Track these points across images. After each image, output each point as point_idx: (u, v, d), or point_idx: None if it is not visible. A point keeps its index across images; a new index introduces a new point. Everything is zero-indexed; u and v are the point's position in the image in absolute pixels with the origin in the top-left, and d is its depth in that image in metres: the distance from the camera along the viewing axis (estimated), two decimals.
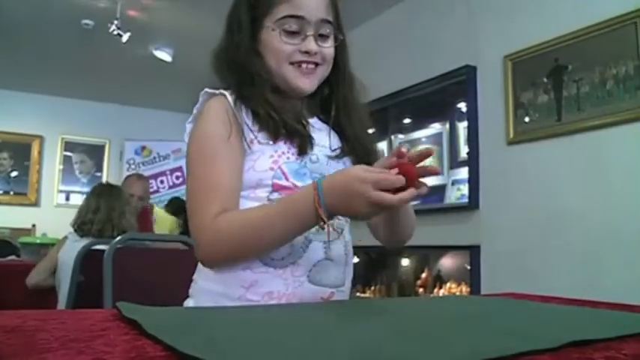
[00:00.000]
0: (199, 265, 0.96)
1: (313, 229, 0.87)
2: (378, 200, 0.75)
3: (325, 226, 0.81)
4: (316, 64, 0.96)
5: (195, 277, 0.98)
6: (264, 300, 0.88)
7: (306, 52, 0.94)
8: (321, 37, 0.96)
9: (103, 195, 2.38)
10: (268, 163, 0.91)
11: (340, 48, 1.00)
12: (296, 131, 0.93)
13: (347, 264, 0.97)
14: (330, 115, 1.02)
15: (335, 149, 0.99)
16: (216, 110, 0.93)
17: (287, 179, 0.91)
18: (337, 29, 0.99)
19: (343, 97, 1.02)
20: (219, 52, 0.99)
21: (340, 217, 0.95)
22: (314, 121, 1.00)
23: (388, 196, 0.75)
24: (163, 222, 3.58)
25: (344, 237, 0.97)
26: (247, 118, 0.93)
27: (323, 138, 0.99)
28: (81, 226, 2.29)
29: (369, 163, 0.89)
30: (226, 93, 0.94)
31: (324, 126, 1.02)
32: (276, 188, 0.91)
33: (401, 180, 0.75)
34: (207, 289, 0.93)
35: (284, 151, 0.92)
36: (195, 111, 0.98)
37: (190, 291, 0.98)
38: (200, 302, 0.94)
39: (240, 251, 0.86)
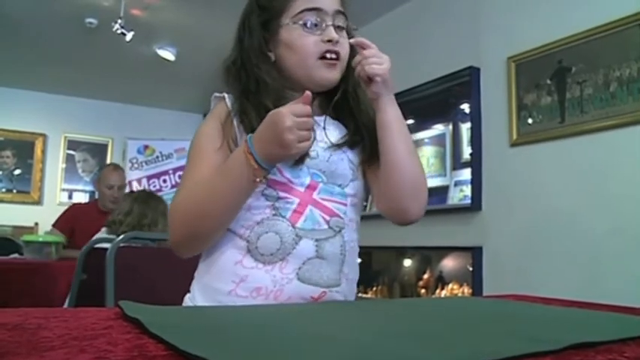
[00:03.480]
0: (199, 262, 0.99)
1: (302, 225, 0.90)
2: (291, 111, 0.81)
3: (263, 178, 0.85)
4: (337, 55, 0.96)
5: (195, 273, 1.00)
6: (251, 296, 0.89)
7: (329, 41, 0.95)
8: (338, 28, 0.97)
9: (138, 200, 2.40)
10: None
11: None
12: None
13: (344, 264, 0.95)
14: (331, 109, 1.01)
15: (338, 140, 0.99)
16: (214, 114, 0.98)
17: (282, 175, 0.92)
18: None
19: (353, 89, 1.02)
20: (229, 63, 1.00)
21: (342, 216, 0.95)
22: (320, 119, 0.98)
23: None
24: None
25: (342, 236, 0.94)
26: (241, 127, 0.95)
27: (326, 133, 0.98)
28: (110, 224, 2.34)
29: (376, 150, 0.96)
30: (226, 96, 0.98)
31: (321, 119, 0.99)
32: (270, 184, 0.91)
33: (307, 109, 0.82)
34: (203, 283, 0.95)
35: None
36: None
37: (191, 287, 1.00)
38: (195, 296, 0.96)
39: (193, 222, 0.88)
